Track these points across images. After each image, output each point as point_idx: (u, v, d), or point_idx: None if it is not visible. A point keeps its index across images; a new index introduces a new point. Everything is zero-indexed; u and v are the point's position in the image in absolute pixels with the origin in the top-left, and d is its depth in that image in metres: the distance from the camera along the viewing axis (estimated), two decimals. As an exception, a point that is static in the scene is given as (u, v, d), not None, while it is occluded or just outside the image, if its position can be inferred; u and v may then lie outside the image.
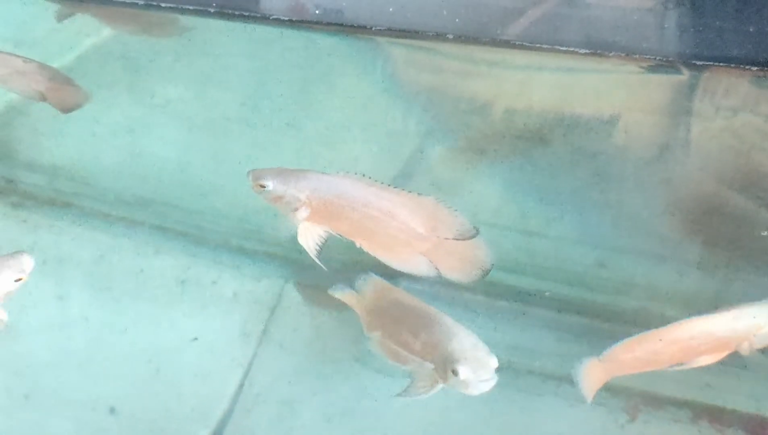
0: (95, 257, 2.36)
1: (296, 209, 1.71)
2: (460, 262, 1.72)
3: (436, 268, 1.71)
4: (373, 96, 2.59)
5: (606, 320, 1.90)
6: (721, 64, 2.28)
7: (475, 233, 1.66)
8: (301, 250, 2.35)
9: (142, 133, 2.59)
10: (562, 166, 2.40)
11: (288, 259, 2.36)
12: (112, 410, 2.07)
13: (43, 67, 2.13)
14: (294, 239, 2.35)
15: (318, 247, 1.75)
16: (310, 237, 1.74)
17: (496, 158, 2.44)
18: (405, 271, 1.73)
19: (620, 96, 2.43)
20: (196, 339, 2.20)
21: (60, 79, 2.15)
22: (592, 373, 1.74)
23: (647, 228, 2.28)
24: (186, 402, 2.09)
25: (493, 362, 1.63)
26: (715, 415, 1.92)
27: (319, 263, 1.73)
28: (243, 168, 2.48)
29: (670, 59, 2.35)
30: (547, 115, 2.46)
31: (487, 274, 1.72)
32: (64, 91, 2.14)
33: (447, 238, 1.67)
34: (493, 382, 1.62)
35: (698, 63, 2.30)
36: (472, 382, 1.62)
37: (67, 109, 2.15)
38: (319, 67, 2.60)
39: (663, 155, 2.37)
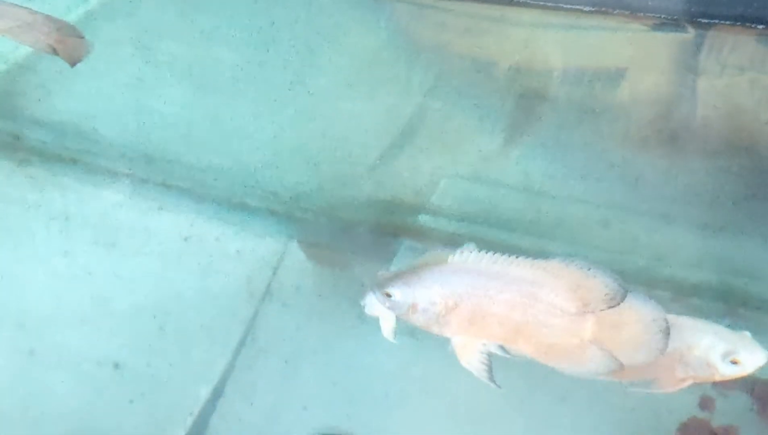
0: (100, 213, 2.37)
1: (437, 317, 1.50)
2: (635, 334, 1.47)
3: (614, 358, 1.47)
4: (377, 53, 2.58)
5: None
6: (726, 22, 2.26)
7: (626, 292, 1.42)
8: (305, 208, 2.37)
9: (147, 90, 2.59)
10: (566, 124, 2.38)
11: (291, 216, 2.36)
12: (116, 365, 2.09)
13: (50, 18, 2.12)
14: (296, 197, 2.37)
15: (487, 368, 1.51)
16: (472, 356, 1.51)
17: (500, 116, 2.43)
18: (585, 374, 1.49)
19: (625, 54, 2.41)
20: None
21: (67, 30, 2.14)
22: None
23: (652, 187, 2.27)
24: (188, 358, 2.10)
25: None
26: (719, 377, 1.90)
27: (496, 385, 1.51)
28: (247, 125, 2.50)
29: (676, 17, 2.34)
30: (551, 73, 2.44)
31: (668, 335, 1.47)
32: (71, 42, 2.13)
33: (601, 310, 1.44)
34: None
35: (704, 21, 2.28)
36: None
37: (74, 61, 2.14)
38: (323, 25, 2.59)
39: (668, 113, 2.35)
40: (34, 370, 2.10)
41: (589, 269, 1.43)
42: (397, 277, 1.52)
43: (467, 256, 1.48)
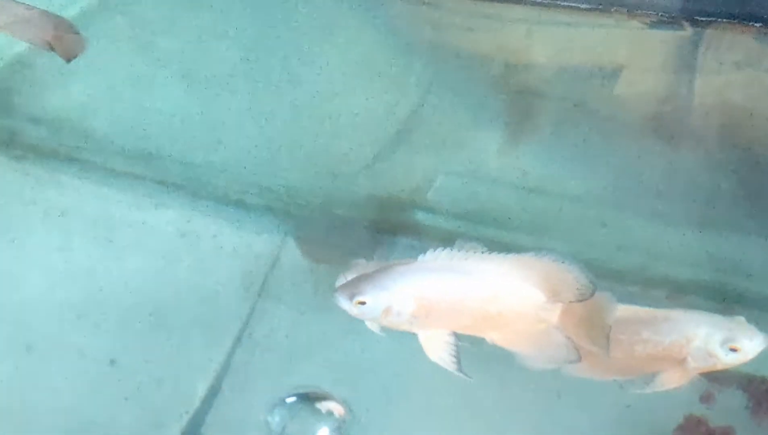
0: (97, 210, 2.37)
1: (410, 318, 1.46)
2: (593, 330, 1.47)
3: (575, 347, 1.46)
4: (373, 50, 2.59)
5: (606, 279, 1.88)
6: (724, 20, 2.27)
7: (594, 289, 1.41)
8: (301, 204, 2.37)
9: (143, 87, 2.60)
10: (563, 122, 2.39)
11: (288, 213, 2.36)
12: (112, 362, 2.09)
13: (47, 14, 2.12)
14: (292, 194, 2.37)
15: (457, 359, 1.48)
16: (440, 350, 1.48)
17: (497, 114, 2.43)
18: (548, 359, 1.49)
19: (622, 52, 2.42)
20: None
21: (64, 26, 2.14)
22: None
23: (649, 184, 2.28)
24: (185, 355, 2.10)
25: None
26: (715, 375, 1.91)
27: (465, 376, 1.48)
28: (244, 122, 2.50)
29: (673, 15, 2.35)
30: (547, 71, 2.45)
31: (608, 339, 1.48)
32: (67, 38, 2.13)
33: (570, 302, 1.43)
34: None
35: (701, 19, 2.29)
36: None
37: (70, 58, 2.14)
38: (320, 22, 2.59)
39: (666, 111, 2.36)
40: (31, 365, 2.09)
41: (563, 262, 1.41)
42: (367, 281, 1.46)
43: (438, 254, 1.44)
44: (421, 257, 1.45)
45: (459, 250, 1.44)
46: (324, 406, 1.97)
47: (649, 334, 1.60)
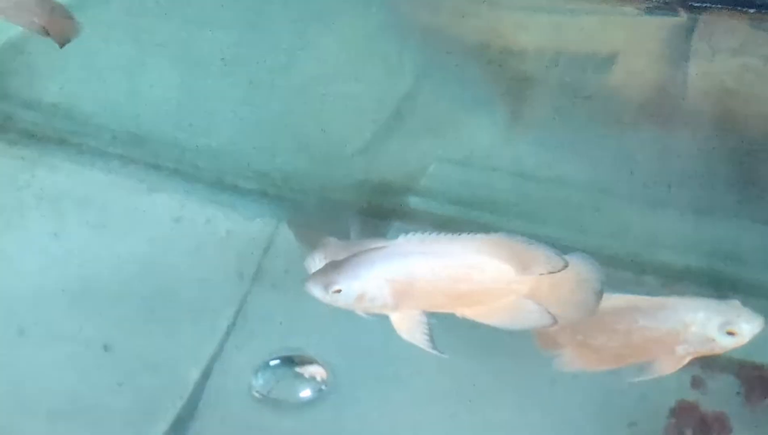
0: (90, 194, 2.36)
1: (384, 302, 1.48)
2: (571, 293, 1.49)
3: (548, 312, 1.49)
4: (368, 35, 2.58)
5: (601, 264, 1.89)
6: (719, 6, 2.27)
7: (566, 263, 1.43)
8: (295, 190, 2.37)
9: (138, 71, 2.59)
10: (557, 108, 2.38)
11: (282, 198, 2.36)
12: (105, 347, 2.08)
13: (42, -1, 2.11)
14: (286, 179, 2.36)
15: (428, 336, 1.51)
16: (412, 328, 1.50)
17: (492, 100, 2.43)
18: (521, 327, 1.53)
19: (617, 37, 2.41)
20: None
21: (58, 11, 2.13)
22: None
23: (644, 171, 2.28)
24: (178, 340, 2.09)
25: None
26: (707, 361, 1.91)
27: (440, 354, 1.50)
28: (238, 107, 2.50)
29: (668, 1, 2.35)
30: (543, 57, 2.44)
31: (600, 296, 1.50)
32: (61, 23, 2.12)
33: (542, 274, 1.45)
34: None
35: (696, 5, 2.29)
36: None
37: (64, 42, 2.13)
38: (315, 6, 2.59)
39: (660, 97, 2.36)
40: (23, 350, 2.09)
41: (531, 244, 1.44)
42: (339, 269, 1.47)
43: (410, 238, 1.46)
44: (392, 241, 1.47)
45: (430, 233, 1.46)
46: (307, 370, 1.98)
47: (646, 322, 1.60)
